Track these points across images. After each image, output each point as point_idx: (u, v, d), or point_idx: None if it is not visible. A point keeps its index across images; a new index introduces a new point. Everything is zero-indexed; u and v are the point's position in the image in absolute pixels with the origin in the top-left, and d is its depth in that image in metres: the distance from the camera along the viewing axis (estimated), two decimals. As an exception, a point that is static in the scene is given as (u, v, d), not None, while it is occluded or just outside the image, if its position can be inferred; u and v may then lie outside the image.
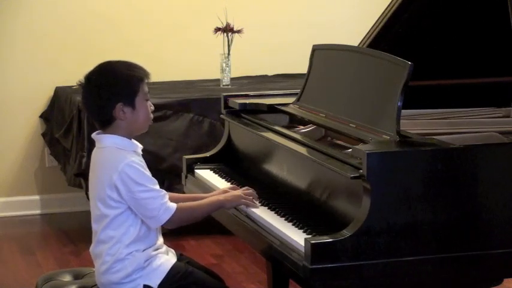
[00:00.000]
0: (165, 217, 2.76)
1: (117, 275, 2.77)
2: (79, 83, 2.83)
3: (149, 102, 2.84)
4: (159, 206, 2.75)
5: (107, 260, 2.78)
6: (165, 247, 2.90)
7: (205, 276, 2.90)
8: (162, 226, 2.83)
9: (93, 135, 2.86)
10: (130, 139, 2.83)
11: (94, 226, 2.84)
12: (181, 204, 2.84)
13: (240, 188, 3.02)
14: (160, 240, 2.88)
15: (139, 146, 2.85)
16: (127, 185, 2.73)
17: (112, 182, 2.73)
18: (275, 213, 2.85)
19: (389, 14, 3.35)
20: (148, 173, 2.79)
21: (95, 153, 2.86)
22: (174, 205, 2.79)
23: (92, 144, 4.71)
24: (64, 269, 3.17)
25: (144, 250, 2.80)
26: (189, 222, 2.90)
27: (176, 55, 5.80)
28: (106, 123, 2.81)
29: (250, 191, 2.96)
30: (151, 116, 2.85)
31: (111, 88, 2.78)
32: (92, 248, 2.85)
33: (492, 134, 2.90)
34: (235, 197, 2.91)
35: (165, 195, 2.79)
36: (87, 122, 4.83)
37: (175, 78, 5.66)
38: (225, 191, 2.99)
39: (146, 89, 2.82)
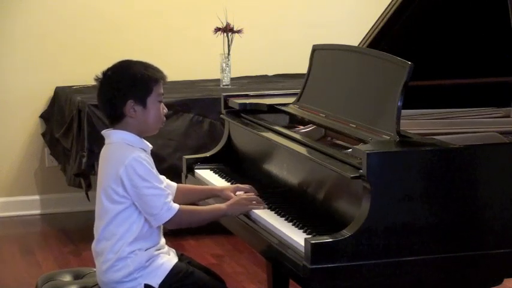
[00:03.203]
0: (166, 216, 2.77)
1: (118, 273, 2.78)
2: (96, 78, 2.85)
3: (162, 105, 2.85)
4: (162, 204, 2.76)
5: (109, 258, 2.78)
6: (166, 247, 2.90)
7: (206, 277, 2.90)
8: (162, 225, 2.83)
9: (103, 131, 2.88)
10: (140, 138, 2.83)
11: (97, 222, 2.84)
12: (184, 206, 2.84)
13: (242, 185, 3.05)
14: (163, 240, 2.89)
15: (149, 146, 2.87)
16: (132, 179, 2.73)
17: (118, 176, 2.74)
18: (275, 213, 2.85)
19: (389, 14, 3.35)
20: (155, 171, 2.80)
21: (103, 149, 2.87)
22: (176, 206, 2.79)
23: (92, 144, 4.79)
24: (64, 269, 3.17)
25: (147, 249, 2.80)
26: (189, 225, 2.92)
27: (176, 55, 5.80)
28: (116, 120, 2.82)
29: (252, 195, 2.96)
30: (164, 118, 2.87)
31: (125, 84, 2.80)
32: (94, 245, 2.85)
33: (492, 134, 2.90)
34: (239, 206, 2.91)
35: (169, 195, 2.80)
36: (87, 122, 4.83)
37: (175, 78, 5.65)
38: (222, 189, 3.01)
39: (161, 91, 2.84)
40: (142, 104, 2.80)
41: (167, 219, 2.77)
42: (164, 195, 2.78)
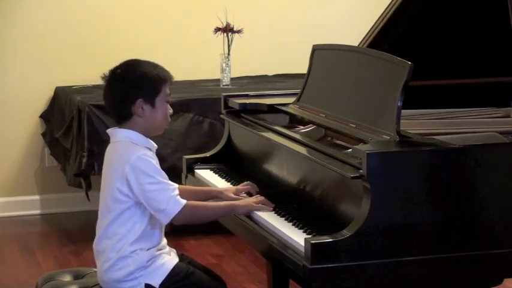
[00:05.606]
0: (174, 210, 2.76)
1: (119, 272, 2.78)
2: (103, 76, 2.85)
3: (168, 106, 2.85)
4: (168, 198, 2.75)
5: (111, 257, 2.78)
6: (168, 247, 2.90)
7: (206, 277, 2.90)
8: (170, 222, 2.81)
9: (109, 130, 2.88)
10: (146, 137, 2.83)
11: (100, 221, 2.84)
12: (191, 201, 2.83)
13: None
14: (164, 240, 2.89)
15: (154, 146, 2.87)
16: (138, 176, 2.74)
17: (124, 175, 2.74)
18: (275, 213, 2.85)
19: (389, 14, 3.35)
20: (159, 167, 2.79)
21: (109, 148, 2.88)
22: (183, 200, 2.79)
23: (92, 144, 4.79)
24: (64, 269, 3.17)
25: (148, 249, 2.80)
26: (198, 221, 2.90)
27: (176, 55, 5.80)
28: (123, 118, 2.82)
29: (262, 198, 2.95)
30: (169, 119, 2.87)
31: (135, 83, 2.80)
32: (95, 244, 2.85)
33: (492, 134, 2.90)
34: (248, 204, 2.91)
35: (175, 189, 2.79)
36: (87, 122, 4.83)
37: (175, 78, 5.63)
38: (222, 190, 3.03)
39: (168, 91, 2.85)
40: (151, 104, 2.81)
41: (176, 213, 2.75)
42: (170, 189, 2.78)
